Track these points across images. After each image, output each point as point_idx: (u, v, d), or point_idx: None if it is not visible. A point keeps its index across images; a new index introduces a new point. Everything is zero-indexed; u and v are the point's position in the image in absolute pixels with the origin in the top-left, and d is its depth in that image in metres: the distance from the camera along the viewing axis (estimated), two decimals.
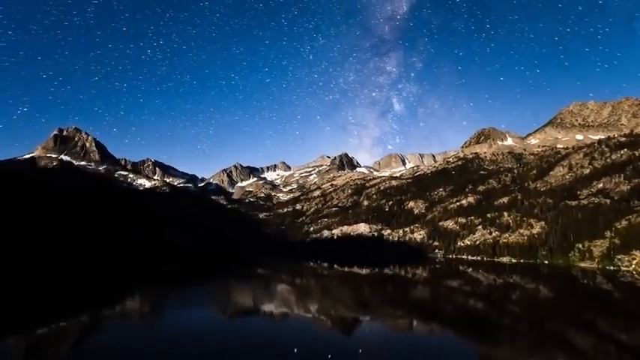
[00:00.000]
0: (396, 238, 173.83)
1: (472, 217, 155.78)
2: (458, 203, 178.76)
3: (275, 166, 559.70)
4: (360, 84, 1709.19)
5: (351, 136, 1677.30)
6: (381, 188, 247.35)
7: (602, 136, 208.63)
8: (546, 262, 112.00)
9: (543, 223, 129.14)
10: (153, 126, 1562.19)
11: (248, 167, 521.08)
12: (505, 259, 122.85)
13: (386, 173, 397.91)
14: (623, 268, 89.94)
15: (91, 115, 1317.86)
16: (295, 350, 31.26)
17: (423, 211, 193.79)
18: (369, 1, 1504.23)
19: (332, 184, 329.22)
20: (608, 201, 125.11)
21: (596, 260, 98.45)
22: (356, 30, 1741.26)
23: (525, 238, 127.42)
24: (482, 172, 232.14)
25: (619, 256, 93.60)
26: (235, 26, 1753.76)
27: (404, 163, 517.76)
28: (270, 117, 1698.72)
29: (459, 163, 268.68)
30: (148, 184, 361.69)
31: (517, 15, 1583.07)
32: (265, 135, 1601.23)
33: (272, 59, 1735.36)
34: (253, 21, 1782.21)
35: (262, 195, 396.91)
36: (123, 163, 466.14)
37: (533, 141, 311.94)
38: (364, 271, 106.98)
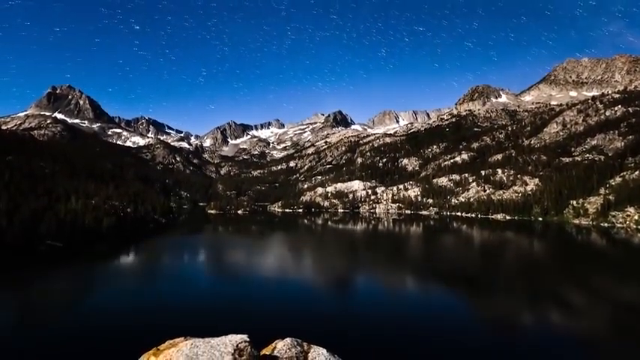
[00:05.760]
0: (389, 196, 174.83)
1: (466, 175, 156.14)
2: (452, 160, 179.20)
3: (269, 123, 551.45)
4: None
5: None
6: (375, 145, 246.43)
7: (596, 93, 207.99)
8: (540, 219, 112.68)
9: (537, 180, 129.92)
10: None
11: (242, 125, 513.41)
12: (499, 217, 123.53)
13: (380, 130, 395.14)
14: (618, 225, 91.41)
15: (229, 105, 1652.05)
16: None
17: (417, 168, 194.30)
18: None
19: (326, 142, 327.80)
20: (602, 157, 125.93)
21: (591, 217, 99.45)
22: None
23: (519, 195, 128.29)
24: (476, 129, 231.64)
25: (613, 213, 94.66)
26: None
27: (397, 121, 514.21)
28: None
29: (453, 120, 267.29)
30: (142, 141, 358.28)
31: None
32: None
33: None
34: None
35: (256, 152, 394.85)
36: (117, 120, 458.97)
37: (527, 98, 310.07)
38: (359, 227, 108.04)
